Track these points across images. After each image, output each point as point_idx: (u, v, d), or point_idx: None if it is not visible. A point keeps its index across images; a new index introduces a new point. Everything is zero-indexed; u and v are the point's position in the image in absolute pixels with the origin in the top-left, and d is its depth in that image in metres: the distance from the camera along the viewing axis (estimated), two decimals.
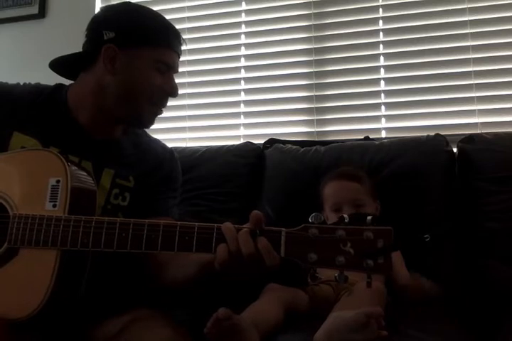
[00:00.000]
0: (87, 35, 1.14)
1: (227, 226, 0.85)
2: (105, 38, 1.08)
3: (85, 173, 1.00)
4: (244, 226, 0.85)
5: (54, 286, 0.88)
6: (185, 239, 0.85)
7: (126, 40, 1.09)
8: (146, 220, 0.89)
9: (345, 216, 0.81)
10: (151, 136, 1.29)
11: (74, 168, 0.98)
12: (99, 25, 1.12)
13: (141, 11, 1.15)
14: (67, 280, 0.91)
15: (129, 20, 1.12)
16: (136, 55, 1.10)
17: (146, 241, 0.87)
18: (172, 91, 1.15)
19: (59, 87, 1.19)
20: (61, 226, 0.91)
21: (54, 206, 0.93)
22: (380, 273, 0.78)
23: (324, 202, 1.41)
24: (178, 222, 0.87)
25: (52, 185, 0.94)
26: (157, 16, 1.15)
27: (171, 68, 1.15)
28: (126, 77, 1.10)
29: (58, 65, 1.18)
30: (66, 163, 0.96)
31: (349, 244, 0.78)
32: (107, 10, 1.17)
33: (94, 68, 1.12)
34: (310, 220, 0.82)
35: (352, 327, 0.93)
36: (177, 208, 1.25)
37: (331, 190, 1.39)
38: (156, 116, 1.16)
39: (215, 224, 0.86)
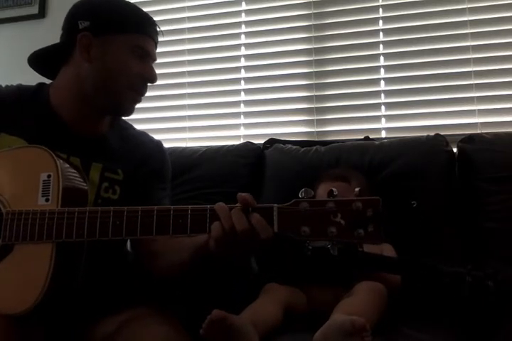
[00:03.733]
0: (63, 28, 1.15)
1: (220, 205, 0.86)
2: (80, 27, 1.09)
3: (75, 170, 1.00)
4: (237, 205, 0.86)
5: (51, 279, 0.88)
6: (180, 221, 0.86)
7: (100, 27, 1.09)
8: (140, 207, 0.89)
9: (334, 189, 0.83)
10: (138, 130, 1.29)
11: (64, 163, 0.98)
12: (74, 16, 1.13)
13: (117, 0, 1.15)
14: (64, 272, 0.91)
15: (104, 9, 1.12)
16: (111, 42, 1.10)
17: (140, 226, 0.87)
18: (150, 78, 1.15)
19: (41, 85, 1.19)
20: (55, 219, 0.91)
21: (47, 200, 0.93)
22: (371, 242, 0.79)
23: None
24: (172, 206, 0.88)
25: (44, 180, 0.94)
26: (132, 6, 1.16)
27: (148, 54, 1.14)
28: (103, 64, 1.10)
29: (38, 63, 1.18)
30: (56, 158, 0.95)
31: (339, 215, 0.80)
32: (82, 2, 1.17)
33: (72, 60, 1.13)
34: (300, 195, 0.84)
35: (341, 331, 0.94)
36: (169, 200, 1.25)
37: (321, 192, 1.40)
38: (136, 103, 1.16)
39: (208, 205, 0.87)
